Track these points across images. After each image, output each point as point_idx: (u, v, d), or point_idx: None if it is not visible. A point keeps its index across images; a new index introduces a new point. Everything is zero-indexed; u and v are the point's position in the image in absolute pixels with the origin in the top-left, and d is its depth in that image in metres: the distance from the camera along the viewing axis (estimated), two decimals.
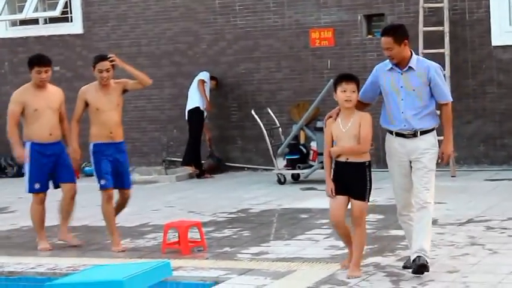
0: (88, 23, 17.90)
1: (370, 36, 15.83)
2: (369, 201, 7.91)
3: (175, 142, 17.39)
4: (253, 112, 14.88)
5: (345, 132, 7.79)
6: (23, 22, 18.48)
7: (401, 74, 7.89)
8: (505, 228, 10.24)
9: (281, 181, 15.15)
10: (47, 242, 10.61)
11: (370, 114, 8.12)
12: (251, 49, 16.39)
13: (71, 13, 18.02)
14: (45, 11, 18.10)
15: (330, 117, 7.96)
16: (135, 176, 16.35)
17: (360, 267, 7.94)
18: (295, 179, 15.35)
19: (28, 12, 18.06)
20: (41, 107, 10.73)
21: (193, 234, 9.98)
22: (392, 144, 8.01)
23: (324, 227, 10.99)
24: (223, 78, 16.52)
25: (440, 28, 14.83)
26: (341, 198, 7.84)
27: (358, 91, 7.86)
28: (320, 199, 12.32)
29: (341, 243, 8.71)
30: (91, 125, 10.91)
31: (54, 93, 10.87)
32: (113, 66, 10.68)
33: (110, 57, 10.68)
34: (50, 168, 10.94)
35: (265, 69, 16.27)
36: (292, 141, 15.11)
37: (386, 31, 7.93)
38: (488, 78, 15.00)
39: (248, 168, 17.19)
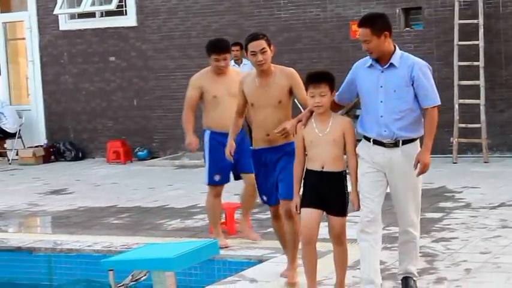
0: (141, 16, 17.97)
1: (407, 29, 15.71)
2: (347, 214, 6.64)
3: None
4: (296, 101, 14.83)
5: (322, 137, 6.50)
6: (81, 15, 18.56)
7: (382, 71, 6.48)
8: None
9: None
10: (224, 238, 9.39)
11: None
12: (294, 41, 16.36)
13: (125, 7, 18.09)
14: (101, 5, 18.19)
15: (300, 121, 6.71)
16: (184, 160, 16.46)
17: None
18: None
19: (86, 6, 18.20)
20: (219, 93, 9.44)
21: (240, 216, 10.03)
22: (368, 152, 6.55)
23: None
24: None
25: (475, 21, 14.67)
26: (315, 212, 6.50)
27: (333, 89, 6.55)
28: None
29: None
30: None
31: (234, 79, 8.99)
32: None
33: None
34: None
35: (307, 59, 16.24)
36: None
37: (364, 21, 6.54)
38: None
39: None
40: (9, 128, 18.86)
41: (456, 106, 14.65)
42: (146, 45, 17.80)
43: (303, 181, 6.71)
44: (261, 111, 7.50)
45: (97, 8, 18.24)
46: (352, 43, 15.53)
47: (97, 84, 18.41)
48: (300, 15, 16.12)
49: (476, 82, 14.66)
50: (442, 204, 11.08)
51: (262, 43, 7.32)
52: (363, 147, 6.58)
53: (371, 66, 6.55)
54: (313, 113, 6.64)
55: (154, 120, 17.35)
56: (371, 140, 6.51)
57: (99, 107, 18.47)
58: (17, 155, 18.79)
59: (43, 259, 10.17)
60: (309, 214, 6.52)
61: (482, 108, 14.54)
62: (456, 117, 14.66)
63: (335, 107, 6.79)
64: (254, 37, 7.42)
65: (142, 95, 17.77)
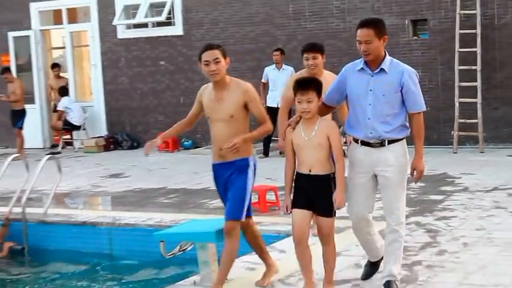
0: (187, 26, 18.04)
1: (415, 37, 15.66)
2: (335, 215, 5.97)
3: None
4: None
5: (308, 141, 5.85)
6: (136, 26, 18.66)
7: (372, 76, 5.88)
8: None
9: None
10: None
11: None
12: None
13: (173, 18, 18.16)
14: (153, 17, 18.28)
15: (289, 125, 6.08)
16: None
17: (333, 285, 6.10)
18: None
19: (140, 18, 18.31)
20: None
21: (270, 197, 10.11)
22: (356, 153, 5.99)
23: None
24: (296, 71, 16.56)
25: (473, 31, 14.66)
26: (305, 213, 5.91)
27: (319, 95, 5.89)
28: None
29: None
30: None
31: (329, 81, 7.01)
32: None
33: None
34: None
35: (329, 64, 16.05)
36: None
37: (367, 23, 5.93)
38: None
39: None
40: (76, 121, 19.03)
41: (457, 104, 14.62)
42: (191, 51, 17.84)
43: (294, 183, 6.06)
44: (214, 124, 6.51)
45: (149, 20, 18.33)
46: None
47: (149, 84, 18.52)
48: (323, 25, 16.13)
49: (474, 84, 14.62)
50: (443, 188, 11.10)
51: (216, 53, 6.36)
52: (352, 150, 6.00)
53: (361, 70, 5.97)
54: (301, 118, 5.99)
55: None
56: (359, 141, 5.93)
57: (151, 104, 18.58)
58: (82, 144, 18.94)
59: (104, 232, 10.31)
60: (299, 215, 5.94)
61: (479, 106, 14.52)
62: (456, 113, 14.63)
63: (324, 109, 6.18)
64: (208, 47, 6.42)
65: (188, 94, 17.81)
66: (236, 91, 6.37)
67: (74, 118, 19.00)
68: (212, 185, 6.80)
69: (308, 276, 6.05)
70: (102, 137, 19.00)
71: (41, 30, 20.11)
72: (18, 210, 10.91)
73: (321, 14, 16.16)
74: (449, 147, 14.70)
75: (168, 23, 18.23)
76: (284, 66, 14.91)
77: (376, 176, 5.95)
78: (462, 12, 14.82)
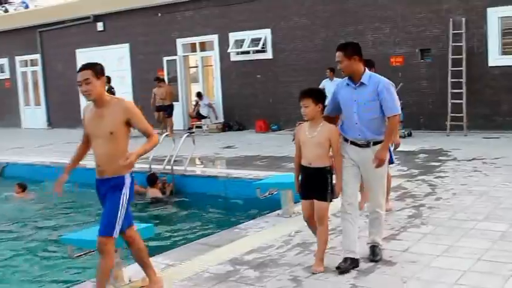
0: (275, 53, 18.16)
1: (422, 60, 15.44)
2: (330, 201, 5.18)
3: None
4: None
5: (310, 139, 5.11)
6: (242, 52, 18.81)
7: (355, 89, 5.15)
8: (493, 163, 10.12)
9: None
10: None
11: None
12: None
13: (266, 48, 18.30)
14: (253, 47, 18.42)
15: (300, 123, 5.39)
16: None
17: (323, 261, 5.19)
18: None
19: (244, 47, 18.49)
20: None
21: None
22: (347, 150, 5.22)
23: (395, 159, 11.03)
24: None
25: (460, 56, 14.43)
26: (308, 202, 5.19)
27: (317, 102, 5.09)
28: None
29: None
30: None
31: None
32: None
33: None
34: None
35: None
36: None
37: (340, 46, 5.27)
38: (486, 83, 14.55)
39: None
40: (203, 112, 19.35)
41: (449, 104, 14.41)
42: (278, 68, 17.97)
43: (300, 175, 5.27)
44: (94, 141, 4.70)
45: (251, 49, 18.46)
46: (391, 68, 15.45)
47: (250, 90, 18.71)
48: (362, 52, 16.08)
49: (461, 91, 14.40)
50: (440, 158, 11.04)
51: (86, 73, 4.60)
52: (343, 147, 5.22)
53: (347, 85, 5.22)
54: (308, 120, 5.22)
55: (280, 110, 17.57)
56: (349, 141, 5.22)
57: (251, 102, 18.76)
58: (207, 127, 19.24)
59: (221, 182, 10.52)
60: (305, 204, 5.20)
61: (464, 105, 14.29)
62: (449, 110, 14.42)
63: (331, 119, 5.33)
64: (80, 68, 4.69)
65: (274, 96, 17.97)
66: (116, 108, 4.62)
67: (202, 111, 19.34)
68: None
69: (321, 249, 5.21)
70: (220, 123, 19.19)
71: (183, 55, 20.48)
72: (168, 167, 11.27)
73: (361, 44, 15.85)
74: (444, 132, 14.49)
75: (263, 50, 18.31)
76: (335, 78, 14.90)
77: (359, 167, 5.20)
78: (453, 44, 14.59)
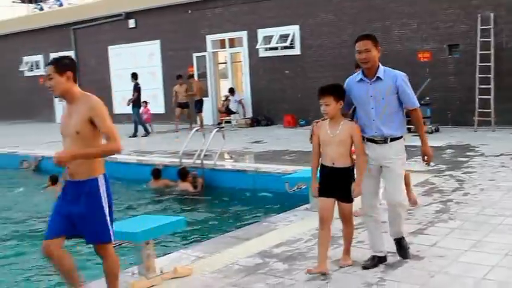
0: (303, 48, 18.14)
1: (450, 56, 15.28)
2: (353, 200, 4.89)
3: None
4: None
5: (333, 138, 4.77)
6: (270, 48, 18.82)
7: (370, 84, 4.83)
8: None
9: None
10: None
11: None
12: (385, 62, 16.19)
13: (294, 44, 18.28)
14: (281, 43, 18.41)
15: (317, 122, 5.03)
16: None
17: (350, 255, 5.09)
18: (408, 130, 14.77)
19: (273, 44, 18.49)
20: None
21: None
22: (365, 148, 4.90)
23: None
24: None
25: (489, 52, 14.28)
26: (329, 200, 4.85)
27: (339, 99, 4.77)
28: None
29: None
30: None
31: None
32: None
33: None
34: None
35: None
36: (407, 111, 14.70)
37: (364, 35, 4.94)
38: None
39: None
40: (233, 108, 19.41)
41: (477, 99, 14.26)
42: (306, 64, 17.96)
43: (319, 173, 4.95)
44: (64, 140, 4.18)
45: (279, 45, 18.45)
46: (419, 64, 15.29)
47: (279, 85, 18.71)
48: (388, 49, 15.94)
49: (489, 86, 14.22)
50: (467, 153, 10.93)
51: (49, 69, 4.17)
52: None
53: (361, 80, 4.89)
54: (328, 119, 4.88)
55: (309, 105, 17.52)
56: (365, 139, 4.88)
57: (279, 97, 18.76)
58: (236, 122, 19.31)
59: (250, 176, 10.55)
60: (323, 202, 4.85)
61: (492, 101, 14.13)
62: (477, 105, 14.29)
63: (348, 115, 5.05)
64: (47, 63, 4.25)
65: (303, 92, 17.95)
66: (83, 106, 4.10)
67: (232, 106, 19.40)
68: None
69: (322, 253, 4.85)
70: (249, 118, 19.23)
71: (212, 52, 20.56)
72: (198, 161, 11.34)
73: (388, 40, 15.99)
74: (471, 127, 14.32)
75: (291, 46, 18.29)
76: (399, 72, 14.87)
77: (381, 166, 4.90)
78: (481, 39, 14.42)
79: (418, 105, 4.93)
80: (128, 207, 9.99)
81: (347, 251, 5.09)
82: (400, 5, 15.93)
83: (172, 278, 5.02)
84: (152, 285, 4.88)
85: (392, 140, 4.86)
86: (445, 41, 15.28)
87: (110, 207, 4.24)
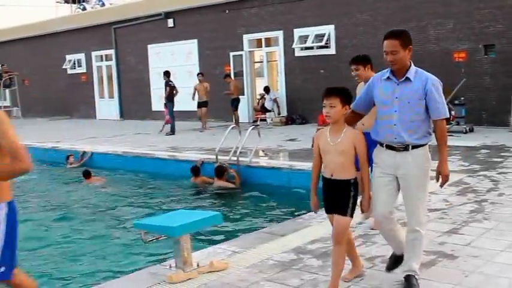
0: (338, 47, 18.04)
1: (486, 56, 15.01)
2: (352, 217, 4.20)
3: None
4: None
5: (333, 146, 4.14)
6: (306, 48, 18.76)
7: (398, 84, 4.17)
8: None
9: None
10: None
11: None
12: (420, 61, 16.02)
13: (329, 43, 18.19)
14: (317, 42, 18.35)
15: (318, 129, 4.61)
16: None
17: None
18: None
19: (308, 43, 18.43)
20: None
21: None
22: (381, 155, 4.25)
23: (457, 154, 10.76)
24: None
25: None
26: (332, 217, 4.25)
27: (345, 103, 4.20)
28: (454, 140, 12.05)
29: None
30: None
31: None
32: None
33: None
34: None
35: (430, 73, 15.86)
36: None
37: (393, 34, 4.22)
38: None
39: None
40: (268, 106, 19.43)
41: None
42: (341, 64, 17.84)
43: (322, 187, 4.30)
44: None
45: (314, 44, 18.39)
46: (454, 64, 15.07)
47: (314, 85, 18.60)
48: (423, 48, 15.78)
49: None
50: (502, 154, 10.73)
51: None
52: (377, 152, 4.29)
53: (388, 79, 4.24)
54: (329, 124, 4.30)
55: None
56: (384, 145, 4.22)
57: (314, 96, 18.57)
58: (271, 120, 19.32)
59: (285, 173, 10.53)
60: (332, 219, 4.25)
61: None
62: None
63: (352, 118, 4.42)
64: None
65: None
66: None
67: (268, 105, 19.41)
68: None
69: (335, 275, 4.28)
70: (284, 116, 19.20)
71: (249, 51, 20.58)
72: (234, 158, 11.37)
73: (423, 40, 15.79)
74: (506, 128, 14.07)
75: (326, 46, 18.21)
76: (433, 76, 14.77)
77: (397, 178, 4.20)
78: None
79: (447, 115, 4.17)
80: (165, 203, 10.09)
81: (334, 281, 4.26)
82: (436, 6, 15.71)
83: (208, 272, 5.03)
84: (189, 278, 4.91)
85: (415, 147, 4.16)
86: (481, 41, 15.02)
87: (10, 242, 3.41)
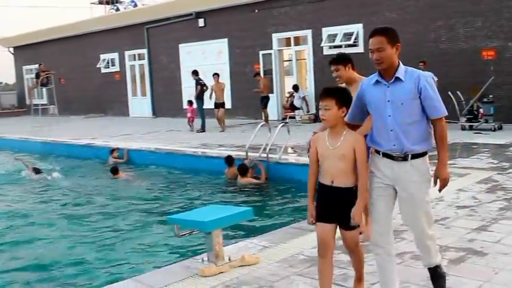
0: (366, 46, 17.86)
1: None
2: (359, 226, 3.84)
3: None
4: (449, 93, 14.37)
5: (332, 151, 3.77)
6: (334, 46, 18.69)
7: (388, 86, 3.73)
8: None
9: (464, 128, 14.32)
10: None
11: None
12: (447, 61, 15.85)
13: (357, 41, 18.08)
14: (345, 41, 18.26)
15: (315, 133, 4.24)
16: None
17: (363, 283, 4.21)
18: (470, 128, 14.34)
19: (337, 41, 18.36)
20: None
21: None
22: (378, 164, 3.82)
23: (485, 152, 10.61)
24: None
25: None
26: (328, 226, 3.83)
27: (341, 105, 3.78)
28: (483, 138, 11.86)
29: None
30: None
31: None
32: None
33: None
34: None
35: (454, 72, 15.71)
36: (469, 108, 14.40)
37: (379, 30, 3.89)
38: None
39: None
40: (297, 104, 19.41)
41: None
42: (369, 62, 17.65)
43: (317, 194, 3.87)
44: None
45: (343, 43, 18.31)
46: (483, 62, 14.85)
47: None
48: (454, 47, 15.60)
49: None
50: None
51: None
52: (373, 161, 3.86)
53: (377, 82, 3.81)
54: (328, 128, 3.90)
55: None
56: (381, 153, 3.81)
57: None
58: (300, 118, 19.29)
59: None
60: (322, 228, 3.83)
61: None
62: None
63: (352, 127, 3.91)
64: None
65: None
66: None
67: (296, 102, 19.39)
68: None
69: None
70: (313, 114, 19.14)
71: (278, 50, 20.57)
72: (263, 155, 11.39)
73: (451, 38, 15.62)
74: None
75: (355, 44, 18.13)
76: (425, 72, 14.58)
77: (395, 189, 3.81)
78: None
79: (445, 112, 3.72)
80: (198, 198, 10.16)
81: (359, 280, 4.20)
82: (464, 3, 15.51)
83: (239, 266, 5.06)
84: (221, 272, 4.95)
85: (414, 157, 3.75)
86: (510, 39, 14.78)
87: None
